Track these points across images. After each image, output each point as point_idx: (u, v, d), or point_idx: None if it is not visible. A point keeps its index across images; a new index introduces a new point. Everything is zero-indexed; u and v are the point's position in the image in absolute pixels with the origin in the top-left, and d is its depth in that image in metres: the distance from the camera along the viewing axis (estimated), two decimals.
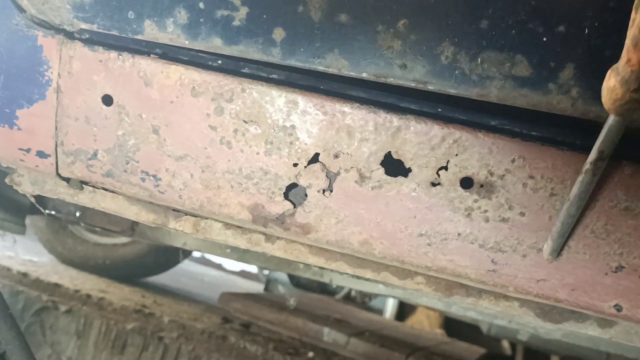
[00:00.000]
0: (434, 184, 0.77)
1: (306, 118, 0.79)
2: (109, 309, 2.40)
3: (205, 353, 2.28)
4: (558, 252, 0.74)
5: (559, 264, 0.76)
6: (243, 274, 5.06)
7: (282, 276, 3.45)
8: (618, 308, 0.75)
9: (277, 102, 0.79)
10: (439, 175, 0.77)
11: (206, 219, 0.90)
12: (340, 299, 3.53)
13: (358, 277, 1.09)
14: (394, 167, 0.78)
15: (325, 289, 3.58)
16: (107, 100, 0.84)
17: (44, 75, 0.85)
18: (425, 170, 0.77)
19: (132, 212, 0.92)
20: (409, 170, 0.78)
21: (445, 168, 0.77)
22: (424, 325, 3.46)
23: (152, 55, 0.82)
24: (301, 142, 0.80)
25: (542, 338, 1.92)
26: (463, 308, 1.34)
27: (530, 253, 0.76)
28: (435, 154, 0.77)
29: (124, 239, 2.72)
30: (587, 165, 0.67)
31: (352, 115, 0.78)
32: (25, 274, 2.45)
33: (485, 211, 0.76)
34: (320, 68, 0.74)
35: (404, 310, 3.55)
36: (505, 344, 3.40)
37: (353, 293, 3.57)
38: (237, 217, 0.84)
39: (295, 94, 0.79)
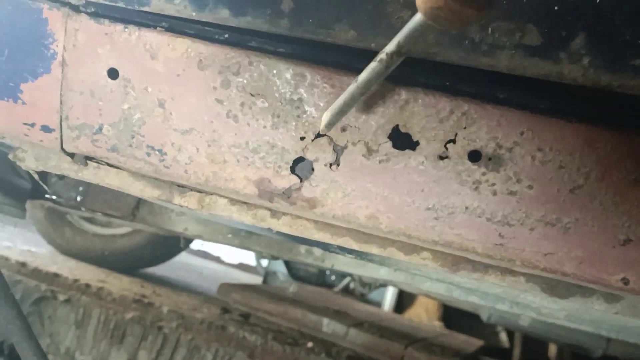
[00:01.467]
0: (441, 157, 0.77)
1: (314, 91, 0.79)
2: (108, 299, 2.40)
3: (205, 343, 2.27)
4: (331, 127, 0.76)
5: (567, 237, 0.76)
6: (241, 267, 5.06)
7: (281, 268, 3.45)
8: (625, 281, 0.75)
9: (284, 75, 0.79)
10: (446, 149, 0.77)
11: (211, 194, 0.90)
12: (339, 291, 3.54)
13: (361, 258, 1.09)
14: (401, 140, 0.78)
15: (323, 282, 3.58)
16: (113, 73, 0.83)
17: (49, 48, 0.84)
18: (433, 143, 0.77)
19: (136, 188, 0.91)
20: (417, 143, 0.78)
21: (453, 141, 0.77)
22: (422, 318, 3.46)
23: (158, 28, 0.82)
24: (308, 116, 0.80)
25: (543, 323, 1.92)
26: (465, 292, 1.34)
27: (538, 226, 0.76)
28: (444, 127, 0.76)
29: (123, 230, 2.72)
30: (382, 55, 0.67)
31: None
32: (23, 264, 2.44)
33: (493, 184, 0.76)
34: (329, 40, 0.74)
35: (403, 302, 3.55)
36: (503, 337, 3.41)
37: (352, 286, 3.57)
38: (242, 191, 0.84)
39: (302, 66, 0.78)
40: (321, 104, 0.79)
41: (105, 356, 2.33)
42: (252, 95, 0.80)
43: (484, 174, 0.76)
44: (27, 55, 0.85)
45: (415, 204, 0.79)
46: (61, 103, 0.85)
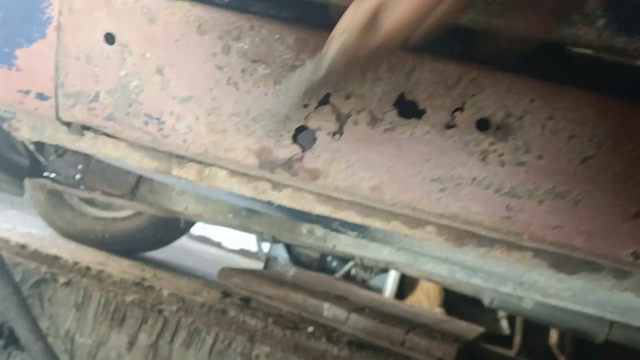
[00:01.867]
0: (448, 126, 0.75)
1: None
2: (108, 282, 2.38)
3: (205, 326, 2.27)
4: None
5: (576, 210, 0.73)
6: (242, 252, 5.04)
7: (282, 253, 3.44)
8: (636, 255, 0.73)
9: (287, 40, 0.76)
10: (454, 117, 0.74)
11: (211, 165, 0.88)
12: (340, 277, 3.52)
13: (364, 236, 1.07)
14: (407, 108, 0.76)
15: (325, 267, 3.57)
16: (110, 38, 0.81)
17: (44, 12, 0.82)
18: (440, 111, 0.75)
19: (134, 159, 0.89)
20: (423, 111, 0.75)
21: (461, 109, 0.74)
22: (423, 304, 3.45)
23: None
24: None
25: (546, 307, 1.91)
26: (468, 274, 1.32)
27: (547, 199, 0.74)
28: (451, 94, 0.74)
29: (124, 213, 2.70)
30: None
31: None
32: (23, 246, 2.42)
33: (502, 154, 0.74)
34: (333, 2, 0.71)
35: (404, 289, 3.54)
36: (504, 324, 3.41)
37: (353, 271, 3.56)
38: (243, 162, 0.82)
39: (306, 31, 0.76)
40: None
41: (106, 339, 2.32)
42: (253, 61, 0.78)
43: (492, 143, 0.74)
44: (21, 20, 0.83)
45: (421, 175, 0.77)
46: (56, 69, 0.83)
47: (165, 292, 2.38)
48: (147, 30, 0.79)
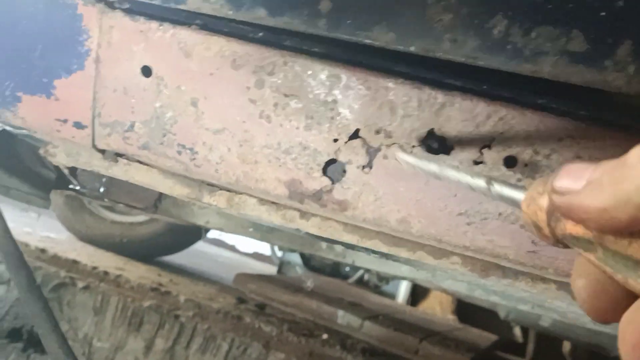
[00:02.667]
0: (476, 163, 0.76)
1: (349, 93, 0.78)
2: (126, 287, 2.42)
3: (221, 332, 2.29)
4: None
5: None
6: (256, 256, 5.08)
7: (296, 259, 3.46)
8: None
9: (319, 76, 0.78)
10: (482, 154, 0.76)
11: (240, 194, 0.90)
12: (353, 282, 3.54)
13: (387, 259, 1.08)
14: (436, 144, 0.77)
15: (338, 273, 3.59)
16: (146, 71, 0.83)
17: (83, 45, 0.84)
18: (468, 148, 0.76)
19: (166, 186, 0.91)
20: (452, 148, 0.77)
21: (489, 146, 0.76)
22: (436, 311, 3.46)
23: (193, 26, 0.81)
24: (342, 117, 0.79)
25: (565, 324, 1.91)
26: (486, 292, 1.33)
27: None
28: (480, 131, 0.75)
29: (141, 218, 2.74)
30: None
31: (396, 90, 0.77)
32: (43, 250, 2.47)
33: None
34: (367, 41, 0.73)
35: (417, 295, 3.56)
36: (517, 332, 3.40)
37: (366, 277, 3.58)
38: (273, 192, 0.84)
39: (338, 68, 0.78)
40: (355, 106, 0.78)
41: (123, 343, 2.36)
42: (285, 95, 0.80)
43: (519, 180, 0.75)
44: (61, 52, 0.85)
45: (448, 209, 0.79)
46: (94, 100, 0.85)
47: (182, 298, 2.41)
48: (183, 64, 0.82)
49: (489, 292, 1.34)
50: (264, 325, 2.30)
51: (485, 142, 0.76)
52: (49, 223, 3.02)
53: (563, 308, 1.02)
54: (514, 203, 0.49)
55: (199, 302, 2.38)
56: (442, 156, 0.77)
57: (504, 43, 0.68)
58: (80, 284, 2.36)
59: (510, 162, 0.75)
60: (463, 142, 0.76)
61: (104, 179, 1.57)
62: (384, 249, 0.87)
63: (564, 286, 0.83)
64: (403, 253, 0.86)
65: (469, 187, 0.58)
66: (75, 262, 2.44)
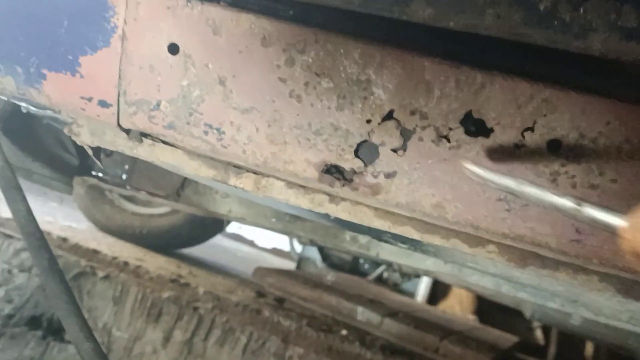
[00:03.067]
0: (517, 146, 0.73)
1: (383, 72, 0.75)
2: (146, 277, 2.42)
3: (239, 325, 2.27)
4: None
5: None
6: (275, 252, 5.06)
7: (315, 254, 3.44)
8: None
9: (352, 54, 0.75)
10: (523, 137, 0.72)
11: (268, 176, 0.87)
12: (372, 280, 3.51)
13: (415, 249, 1.05)
14: (474, 126, 0.74)
15: (357, 270, 3.55)
16: (173, 48, 0.81)
17: (109, 21, 0.82)
18: (509, 130, 0.73)
19: (191, 167, 0.89)
20: (491, 130, 0.73)
21: (532, 129, 0.72)
22: (456, 310, 3.41)
23: (221, 3, 0.78)
24: (376, 98, 0.76)
25: (593, 323, 1.86)
26: (515, 288, 1.29)
27: None
28: (521, 113, 0.72)
29: (161, 210, 2.73)
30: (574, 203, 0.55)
31: (433, 70, 0.73)
32: (64, 239, 2.47)
33: (573, 176, 0.71)
34: (403, 17, 0.69)
35: (436, 294, 3.51)
36: (539, 334, 3.34)
37: (385, 275, 3.54)
38: (302, 174, 0.81)
39: (372, 46, 0.74)
40: (390, 86, 0.75)
41: (142, 333, 2.35)
42: (317, 74, 0.77)
43: (563, 165, 0.71)
44: (86, 28, 0.83)
45: (486, 194, 0.75)
46: (120, 77, 0.83)
47: (201, 290, 2.40)
48: (211, 41, 0.79)
49: (518, 287, 1.29)
50: (282, 319, 2.28)
51: (527, 125, 0.72)
52: (69, 213, 3.03)
53: (600, 303, 0.98)
54: (609, 228, 0.45)
55: (217, 295, 2.37)
56: (481, 139, 0.74)
57: (550, 18, 0.64)
58: (101, 274, 2.36)
59: (554, 146, 0.71)
60: (503, 124, 0.73)
61: (126, 166, 1.56)
62: (417, 235, 0.83)
63: (608, 278, 0.79)
64: (437, 240, 0.82)
65: (553, 207, 0.53)
66: (95, 251, 2.45)
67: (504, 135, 0.73)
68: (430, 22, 0.69)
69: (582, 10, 0.63)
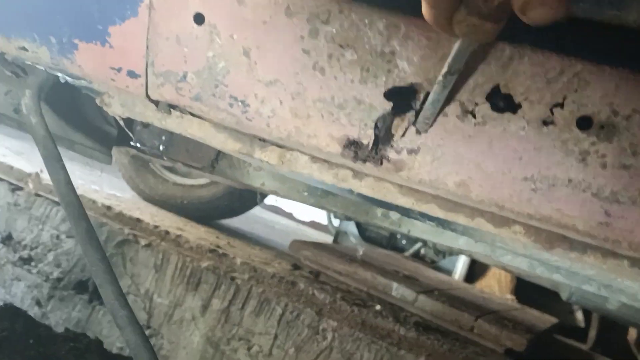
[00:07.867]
0: (545, 123, 0.70)
1: (408, 44, 0.73)
2: (186, 247, 2.48)
3: (275, 297, 2.31)
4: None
5: None
6: (313, 225, 5.10)
7: (352, 229, 3.44)
8: None
9: (377, 25, 0.73)
10: (552, 113, 0.69)
11: (292, 150, 0.87)
12: (409, 256, 3.49)
13: (443, 227, 1.03)
14: (501, 101, 0.71)
15: (394, 245, 3.54)
16: (199, 18, 0.81)
17: None
18: (538, 106, 0.70)
19: (218, 140, 0.90)
20: (519, 106, 0.70)
21: (561, 105, 0.69)
22: (494, 290, 3.36)
23: None
24: (400, 70, 0.74)
25: (633, 308, 1.79)
26: (549, 270, 1.26)
27: None
28: (551, 88, 0.69)
29: (202, 181, 2.78)
30: (440, 77, 0.68)
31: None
32: (109, 207, 2.56)
33: (604, 156, 0.68)
34: None
35: (474, 272, 3.46)
36: (579, 316, 3.26)
37: (422, 251, 3.51)
38: (325, 149, 0.80)
39: (397, 16, 0.72)
40: (415, 58, 0.73)
41: (181, 300, 2.42)
42: (340, 46, 0.76)
43: (593, 143, 0.68)
44: None
45: (512, 173, 0.73)
46: (147, 48, 0.84)
47: (238, 261, 2.44)
48: (236, 11, 0.79)
49: (552, 269, 1.26)
50: (317, 292, 2.30)
51: (556, 100, 0.69)
52: (113, 182, 3.13)
53: (634, 289, 0.94)
54: None
55: (254, 266, 2.41)
56: (508, 114, 0.71)
57: None
58: (143, 242, 2.44)
59: (584, 124, 0.68)
60: (532, 99, 0.70)
61: (163, 137, 1.59)
62: (440, 214, 0.82)
63: (638, 263, 0.76)
64: (460, 219, 0.81)
65: None
66: (138, 220, 2.52)
67: (532, 111, 0.70)
68: None
69: None
